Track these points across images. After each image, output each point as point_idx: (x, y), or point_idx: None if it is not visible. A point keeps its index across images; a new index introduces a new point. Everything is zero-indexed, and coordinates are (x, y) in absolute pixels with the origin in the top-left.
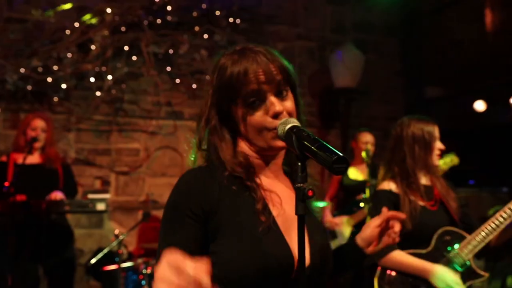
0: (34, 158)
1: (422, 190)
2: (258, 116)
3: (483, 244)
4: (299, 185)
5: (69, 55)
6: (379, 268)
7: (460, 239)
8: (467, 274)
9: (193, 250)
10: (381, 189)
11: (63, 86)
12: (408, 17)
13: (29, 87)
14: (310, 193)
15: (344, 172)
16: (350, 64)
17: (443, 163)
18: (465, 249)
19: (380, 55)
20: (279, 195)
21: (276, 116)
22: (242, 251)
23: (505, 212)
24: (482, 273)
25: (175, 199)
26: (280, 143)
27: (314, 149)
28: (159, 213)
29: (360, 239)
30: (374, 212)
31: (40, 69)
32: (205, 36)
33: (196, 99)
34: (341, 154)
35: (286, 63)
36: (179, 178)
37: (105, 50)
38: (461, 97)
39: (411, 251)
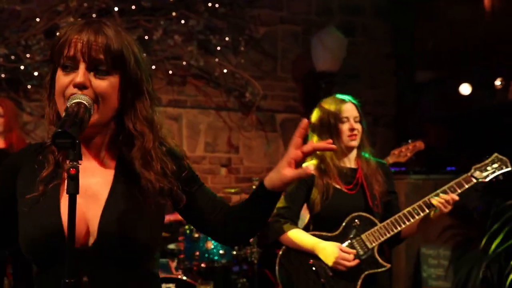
0: None
1: (335, 172)
2: (65, 81)
3: (389, 235)
4: (68, 163)
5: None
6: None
7: (370, 225)
8: (368, 262)
9: None
10: None
11: (35, 73)
12: None
13: (2, 75)
14: (72, 171)
15: (63, 147)
16: (331, 47)
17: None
18: (371, 237)
19: (369, 38)
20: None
21: (78, 87)
22: (21, 220)
23: (418, 206)
24: (384, 263)
25: None
26: None
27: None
28: None
29: (268, 181)
30: (288, 189)
31: (12, 57)
32: (182, 21)
33: (174, 85)
34: (66, 129)
35: (123, 49)
36: None
37: None
38: (453, 81)
39: (317, 232)
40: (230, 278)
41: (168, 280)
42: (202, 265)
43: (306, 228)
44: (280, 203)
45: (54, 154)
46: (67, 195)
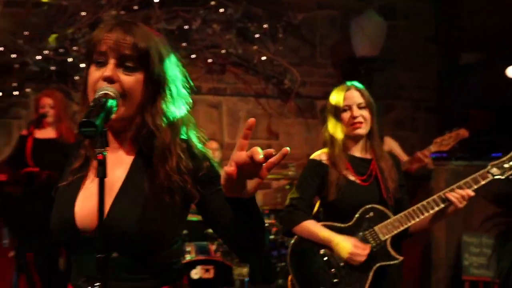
0: (48, 133)
1: (346, 161)
2: (97, 75)
3: (403, 228)
4: (96, 149)
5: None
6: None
7: (383, 218)
8: (380, 255)
9: None
10: (312, 158)
11: (82, 65)
12: None
13: (52, 68)
14: (100, 157)
15: (89, 136)
16: (370, 32)
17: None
18: (384, 229)
19: (410, 21)
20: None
21: (107, 80)
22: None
23: (433, 201)
24: (396, 256)
25: None
26: None
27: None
28: None
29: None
30: (300, 178)
31: (61, 50)
32: (221, 10)
33: (213, 73)
34: (91, 119)
35: (149, 48)
36: None
37: None
38: (499, 64)
39: (329, 223)
40: (270, 262)
41: (207, 262)
42: None
43: (315, 217)
44: (293, 193)
45: (86, 148)
46: (87, 186)
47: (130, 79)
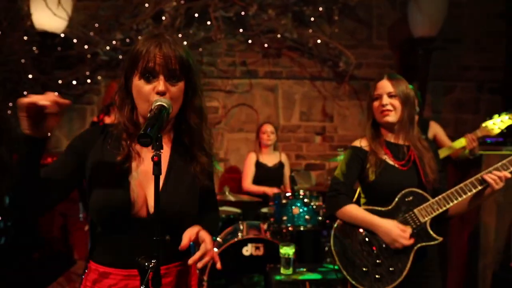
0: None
1: (383, 146)
2: (147, 89)
3: (441, 210)
4: (153, 152)
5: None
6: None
7: (422, 201)
8: (421, 236)
9: (57, 169)
10: (353, 145)
11: None
12: None
13: (120, 56)
14: (155, 158)
15: (145, 145)
16: (429, 11)
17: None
18: (423, 211)
19: None
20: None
21: (160, 94)
22: (96, 193)
23: (470, 183)
24: (436, 237)
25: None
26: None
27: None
28: (239, 165)
29: None
30: (341, 164)
31: (127, 40)
32: None
33: (269, 57)
34: (148, 132)
35: (188, 58)
36: None
37: (175, 20)
38: None
39: (370, 207)
40: (319, 241)
41: (258, 240)
42: (290, 228)
43: (357, 201)
44: (336, 178)
45: (126, 141)
46: (133, 175)
47: (176, 89)
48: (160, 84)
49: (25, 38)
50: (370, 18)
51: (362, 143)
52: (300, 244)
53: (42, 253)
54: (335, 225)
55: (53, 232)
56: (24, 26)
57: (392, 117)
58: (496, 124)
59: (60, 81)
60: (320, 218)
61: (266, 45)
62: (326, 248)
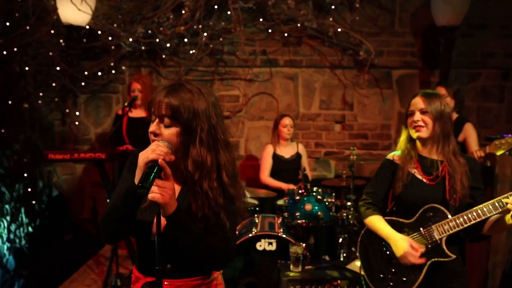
0: (139, 113)
1: (415, 161)
2: (149, 129)
3: (458, 229)
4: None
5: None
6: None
7: (442, 218)
8: (435, 251)
9: None
10: (386, 157)
11: (168, 45)
12: None
13: (142, 48)
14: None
15: (142, 195)
16: None
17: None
18: (440, 228)
19: None
20: None
21: (152, 134)
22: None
23: (491, 205)
24: (450, 254)
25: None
26: None
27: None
28: (259, 152)
29: None
30: (374, 175)
31: (149, 32)
32: None
33: (290, 46)
34: (142, 184)
35: (184, 103)
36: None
37: (195, 12)
38: None
39: (394, 218)
40: (333, 236)
41: (271, 237)
42: (303, 224)
43: (391, 210)
44: (368, 188)
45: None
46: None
47: (167, 132)
48: (152, 125)
49: (52, 31)
50: (393, 4)
51: (395, 157)
52: (315, 238)
53: (74, 235)
54: (362, 232)
55: (84, 214)
56: (51, 20)
57: (423, 133)
58: (502, 144)
59: (86, 72)
60: (331, 214)
61: (286, 34)
62: (340, 240)
